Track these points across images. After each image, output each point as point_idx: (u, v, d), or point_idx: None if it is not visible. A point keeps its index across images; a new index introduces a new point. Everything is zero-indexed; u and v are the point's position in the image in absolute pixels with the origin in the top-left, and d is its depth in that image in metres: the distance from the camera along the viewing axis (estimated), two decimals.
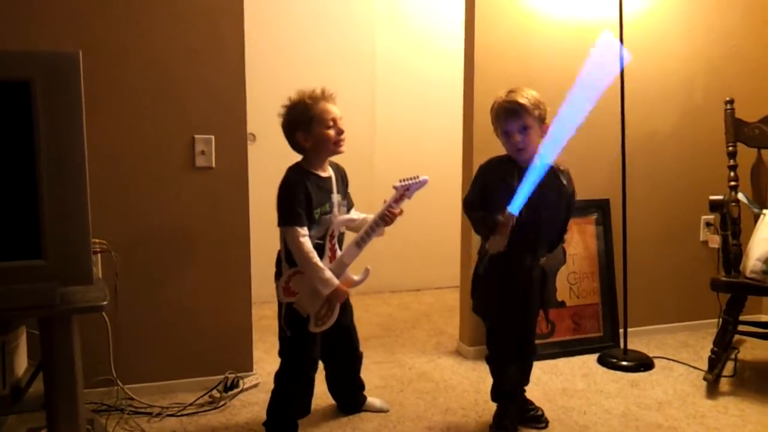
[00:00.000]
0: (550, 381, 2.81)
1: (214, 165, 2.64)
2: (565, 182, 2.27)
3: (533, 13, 3.03)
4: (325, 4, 4.08)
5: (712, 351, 2.77)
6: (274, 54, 3.95)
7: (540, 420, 2.41)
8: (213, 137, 2.63)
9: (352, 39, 4.16)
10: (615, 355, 3.02)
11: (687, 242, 3.42)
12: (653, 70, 3.25)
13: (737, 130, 2.94)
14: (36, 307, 1.48)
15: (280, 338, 2.27)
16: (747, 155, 2.96)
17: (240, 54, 2.63)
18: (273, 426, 2.29)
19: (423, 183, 2.23)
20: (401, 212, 2.24)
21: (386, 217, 2.22)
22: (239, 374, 2.70)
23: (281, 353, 2.29)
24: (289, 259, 2.19)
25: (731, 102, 2.95)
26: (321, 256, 2.19)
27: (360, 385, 2.53)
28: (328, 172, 2.26)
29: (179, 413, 2.48)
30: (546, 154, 2.12)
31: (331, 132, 2.18)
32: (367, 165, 4.19)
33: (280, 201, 2.17)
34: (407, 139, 4.31)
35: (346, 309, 2.35)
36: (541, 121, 2.22)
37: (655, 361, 3.01)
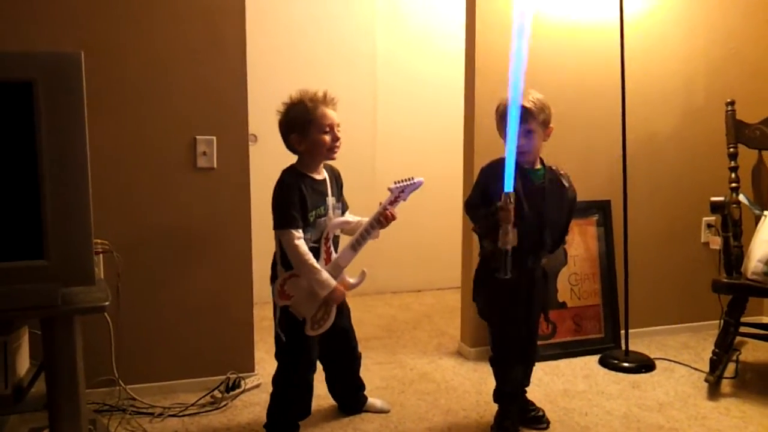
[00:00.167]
0: (552, 382, 2.81)
1: (215, 166, 2.65)
2: (567, 184, 2.28)
3: (534, 14, 3.03)
4: (326, 6, 4.08)
5: (714, 352, 2.77)
6: (276, 55, 3.95)
7: (541, 421, 2.41)
8: (214, 138, 2.63)
9: (353, 40, 4.17)
10: (616, 357, 3.02)
11: (688, 244, 3.42)
12: (654, 71, 3.25)
13: (738, 132, 2.94)
14: (38, 307, 1.48)
15: (276, 341, 2.27)
16: (748, 156, 2.96)
17: (241, 55, 2.64)
18: (274, 428, 2.29)
19: (418, 185, 2.23)
20: (395, 216, 2.23)
21: (381, 220, 2.22)
22: (241, 375, 2.70)
23: (277, 356, 2.29)
24: (284, 262, 2.19)
25: (732, 103, 2.95)
26: (316, 259, 2.19)
27: (360, 386, 2.53)
28: (322, 174, 2.26)
29: (181, 413, 2.49)
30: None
31: (327, 138, 2.18)
32: (368, 166, 4.20)
33: (275, 204, 2.18)
34: (408, 140, 4.31)
35: (343, 310, 2.35)
36: (545, 125, 2.22)
37: (657, 362, 3.01)
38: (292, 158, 2.27)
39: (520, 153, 2.20)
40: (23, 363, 1.81)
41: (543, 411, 2.44)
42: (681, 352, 3.17)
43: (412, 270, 4.43)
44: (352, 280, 2.24)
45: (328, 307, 2.21)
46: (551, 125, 2.25)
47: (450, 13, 4.14)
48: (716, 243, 3.25)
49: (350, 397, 2.52)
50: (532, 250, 2.23)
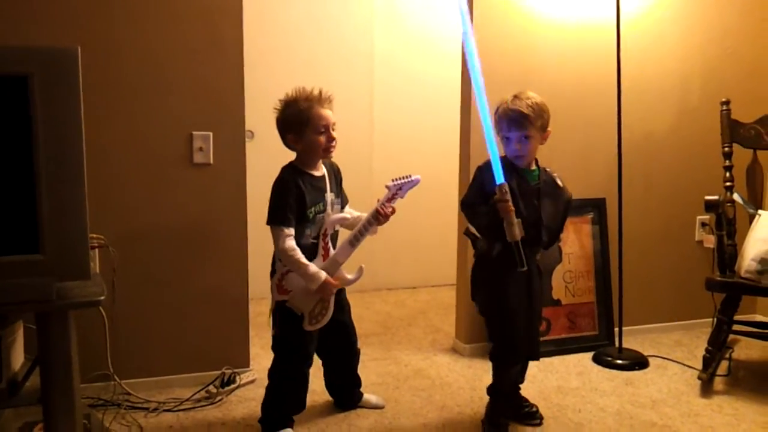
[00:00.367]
0: (546, 379, 2.82)
1: (212, 162, 2.65)
2: (561, 185, 2.30)
3: (531, 14, 3.04)
4: (323, 4, 4.08)
5: (707, 350, 2.78)
6: (274, 52, 3.95)
7: (534, 417, 2.42)
8: (211, 134, 2.63)
9: (351, 39, 4.17)
10: (610, 354, 3.04)
11: (682, 242, 3.44)
12: (650, 70, 3.26)
13: (733, 131, 2.95)
14: (33, 301, 1.48)
15: (273, 333, 2.28)
16: (743, 156, 2.97)
17: (238, 51, 2.64)
18: (268, 422, 2.30)
19: (415, 182, 2.24)
20: (393, 211, 2.24)
21: (379, 216, 2.23)
22: (236, 370, 2.71)
23: (274, 348, 2.30)
24: None
25: (727, 103, 2.96)
26: (315, 254, 2.20)
27: (357, 382, 2.54)
28: (321, 170, 2.27)
29: (176, 408, 2.49)
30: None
31: (322, 139, 2.18)
32: (365, 166, 4.20)
33: (271, 200, 2.18)
34: (405, 139, 4.32)
35: (343, 306, 2.36)
36: (543, 129, 2.23)
37: (650, 359, 3.03)
38: (289, 155, 2.28)
39: (517, 157, 2.22)
40: (18, 357, 1.81)
41: (536, 407, 2.45)
42: (674, 350, 3.19)
43: (407, 267, 4.44)
44: (350, 276, 2.25)
45: (324, 302, 2.22)
46: (549, 129, 2.26)
47: (448, 14, 4.14)
48: (710, 241, 3.26)
49: (347, 392, 2.53)
50: (528, 247, 2.24)
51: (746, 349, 3.18)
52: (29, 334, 1.74)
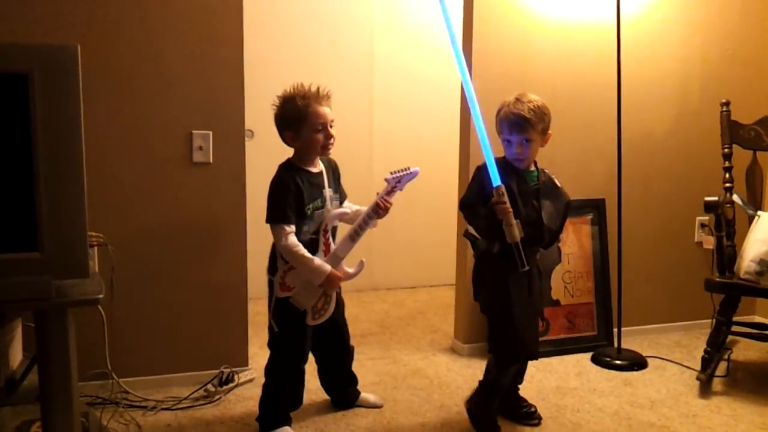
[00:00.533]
0: (544, 379, 2.82)
1: (211, 161, 2.64)
2: (560, 185, 2.30)
3: (531, 14, 3.04)
4: (323, 3, 4.08)
5: (706, 351, 2.78)
6: (274, 51, 3.95)
7: (533, 417, 2.42)
8: (211, 133, 2.63)
9: (351, 37, 4.16)
10: (609, 354, 3.04)
11: (682, 243, 3.44)
12: (650, 71, 3.26)
13: (733, 132, 2.95)
14: (31, 299, 1.48)
15: (270, 330, 2.28)
16: (742, 157, 2.97)
17: (239, 50, 2.63)
18: (266, 419, 2.30)
19: (414, 175, 2.26)
20: (391, 205, 2.26)
21: (379, 210, 2.23)
22: (234, 369, 2.71)
23: (270, 344, 2.30)
24: None
25: (727, 104, 2.96)
26: (315, 250, 2.20)
27: (352, 380, 2.54)
28: (318, 167, 2.27)
29: (174, 407, 2.49)
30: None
31: (320, 136, 2.18)
32: (365, 165, 4.20)
33: (269, 198, 2.19)
34: (404, 139, 4.31)
35: (337, 304, 2.36)
36: (544, 132, 2.24)
37: (649, 360, 3.03)
38: (289, 154, 2.28)
39: (518, 160, 2.23)
40: (16, 355, 1.81)
41: (535, 407, 2.46)
42: (673, 351, 3.19)
43: (406, 267, 4.44)
44: (350, 270, 2.25)
45: (328, 296, 2.23)
46: (549, 132, 2.26)
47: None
48: (709, 242, 3.26)
49: (342, 390, 2.53)
50: (528, 247, 2.24)
51: (745, 350, 3.18)
52: (28, 332, 1.74)
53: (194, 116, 2.61)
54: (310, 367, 2.41)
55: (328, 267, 2.18)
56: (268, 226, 2.18)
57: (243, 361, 2.78)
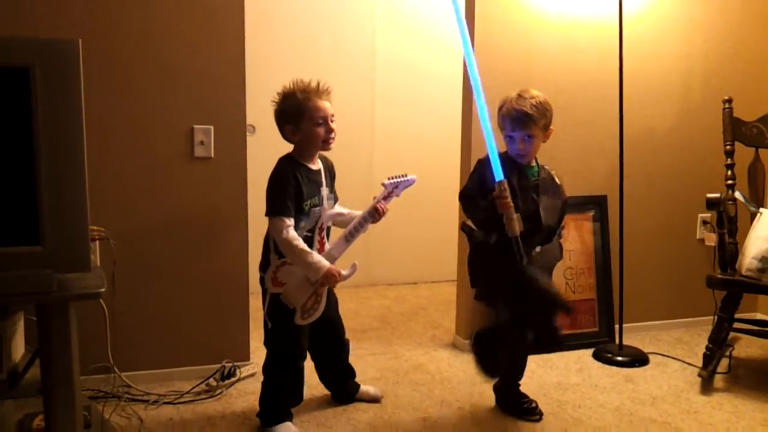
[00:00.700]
0: (545, 375, 2.82)
1: (212, 155, 2.65)
2: (559, 182, 2.32)
3: (533, 10, 3.03)
4: None
5: (707, 348, 2.78)
6: (275, 46, 3.95)
7: (534, 412, 2.42)
8: (212, 128, 2.63)
9: (353, 33, 4.16)
10: (610, 351, 3.04)
11: (683, 240, 3.43)
12: (652, 67, 3.25)
13: (735, 129, 2.94)
14: (33, 293, 1.48)
15: (265, 328, 2.28)
16: (744, 154, 2.96)
17: (240, 45, 2.63)
18: (266, 416, 2.30)
19: (411, 182, 2.30)
20: (387, 210, 2.28)
21: (375, 214, 2.25)
22: (236, 363, 2.71)
23: (266, 343, 2.30)
24: (278, 249, 2.19)
25: (729, 101, 2.95)
26: (310, 248, 2.20)
27: (350, 373, 2.54)
28: (317, 164, 2.27)
29: (176, 401, 2.50)
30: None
31: (321, 130, 2.18)
32: (366, 161, 4.20)
33: (268, 191, 2.18)
34: (406, 134, 4.31)
35: (330, 301, 2.36)
36: (546, 127, 2.24)
37: (650, 356, 3.03)
38: (290, 149, 2.28)
39: (520, 156, 2.23)
40: (18, 349, 1.82)
41: (536, 403, 2.46)
42: (675, 347, 3.19)
43: (408, 263, 4.44)
44: (344, 272, 2.25)
45: (318, 296, 2.22)
46: (551, 127, 2.26)
47: (449, 8, 4.12)
48: (711, 239, 3.26)
49: (341, 384, 2.53)
50: (527, 240, 2.23)
51: (746, 347, 3.18)
52: (30, 325, 1.75)
53: (196, 111, 2.61)
54: (310, 363, 2.41)
55: (326, 262, 2.18)
56: (268, 220, 2.18)
57: (245, 356, 2.79)
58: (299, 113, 2.16)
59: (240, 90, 2.65)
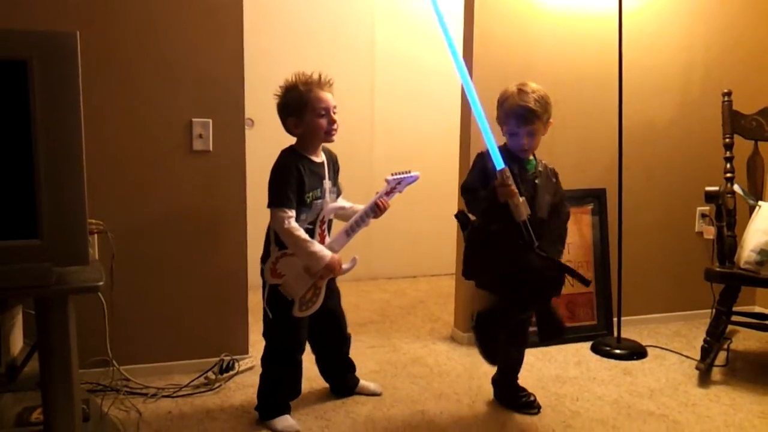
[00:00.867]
0: (544, 368, 2.82)
1: (211, 149, 2.64)
2: (555, 180, 2.34)
3: (533, 1, 3.02)
4: None
5: (705, 341, 2.79)
6: (274, 39, 3.94)
7: (532, 406, 2.43)
8: (211, 121, 2.63)
9: (352, 27, 4.15)
10: (608, 344, 3.04)
11: (682, 233, 3.44)
12: (651, 60, 3.25)
13: (734, 122, 2.94)
14: (31, 286, 1.48)
15: (264, 320, 2.28)
16: (744, 147, 2.96)
17: (239, 38, 2.62)
18: (264, 409, 2.31)
19: (414, 179, 2.30)
20: (388, 206, 2.28)
21: (377, 209, 2.25)
22: (235, 357, 2.72)
23: (265, 335, 2.31)
24: (278, 240, 2.20)
25: (729, 93, 2.95)
26: None
27: (350, 367, 2.54)
28: (321, 157, 2.27)
29: (174, 394, 2.50)
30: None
31: (323, 121, 2.18)
32: (366, 155, 4.19)
33: (271, 183, 2.18)
34: (406, 128, 4.31)
35: (333, 293, 2.37)
36: (547, 121, 2.24)
37: (649, 349, 3.03)
38: (290, 143, 2.27)
39: (523, 150, 2.23)
40: (17, 342, 1.82)
41: (534, 396, 2.46)
42: (673, 340, 3.19)
43: (407, 256, 4.44)
44: (344, 265, 2.25)
45: (317, 288, 2.22)
46: (551, 120, 2.26)
47: (449, 2, 4.11)
48: (710, 232, 3.26)
49: (340, 378, 2.53)
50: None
51: (744, 340, 3.19)
52: (28, 319, 1.75)
53: (194, 104, 2.60)
54: (309, 356, 2.41)
55: (329, 252, 2.19)
56: (268, 213, 2.18)
57: (243, 349, 2.79)
58: (302, 105, 2.16)
59: (239, 83, 2.64)
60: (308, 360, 2.39)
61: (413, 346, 3.09)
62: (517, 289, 2.22)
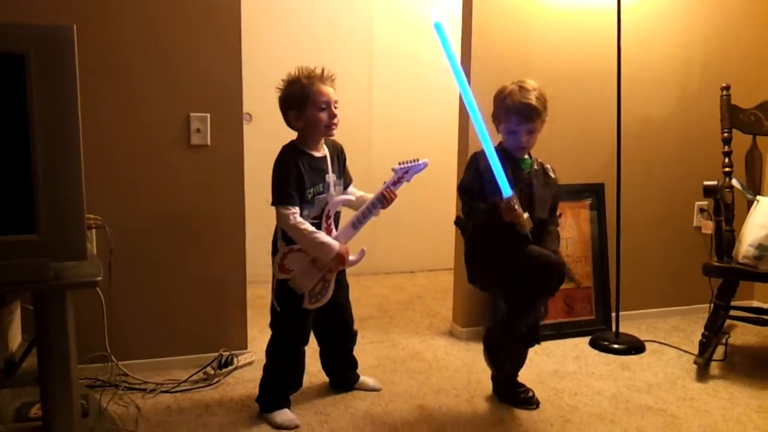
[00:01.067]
0: (542, 363, 2.83)
1: (209, 143, 2.63)
2: (552, 175, 2.33)
3: None
4: None
5: (703, 335, 2.79)
6: (272, 34, 3.93)
7: (531, 401, 2.43)
8: (208, 115, 2.62)
9: (350, 21, 4.14)
10: (607, 338, 3.05)
11: (680, 227, 3.44)
12: (650, 55, 3.24)
13: (733, 117, 2.94)
14: (29, 282, 1.48)
15: (272, 312, 2.29)
16: (742, 141, 2.96)
17: (237, 32, 2.61)
18: (265, 400, 2.31)
19: (422, 167, 2.26)
20: (396, 196, 2.26)
21: (384, 200, 2.23)
22: (234, 352, 2.71)
23: (272, 325, 2.32)
24: (285, 236, 2.20)
25: (727, 88, 2.95)
26: None
27: (352, 364, 2.55)
28: (322, 151, 2.26)
29: (173, 390, 2.50)
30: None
31: (324, 115, 2.17)
32: (364, 149, 4.18)
33: (273, 180, 2.18)
34: (404, 123, 4.31)
35: (341, 287, 2.37)
36: (543, 120, 2.23)
37: (647, 344, 3.04)
38: (288, 137, 2.27)
39: (521, 149, 2.23)
40: (15, 337, 1.82)
41: (533, 391, 2.46)
42: (671, 335, 3.20)
43: (405, 251, 4.45)
44: (351, 257, 2.25)
45: (326, 281, 2.23)
46: (546, 118, 2.26)
47: None
48: (708, 227, 3.26)
49: (342, 373, 2.54)
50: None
51: (742, 335, 3.19)
52: (27, 314, 1.75)
53: (192, 99, 2.59)
54: (311, 350, 2.41)
55: (337, 243, 2.19)
56: (266, 208, 2.18)
57: (242, 344, 2.79)
58: (303, 98, 2.16)
59: (237, 78, 2.64)
60: (309, 355, 2.39)
61: (412, 341, 3.09)
62: (521, 288, 2.22)
